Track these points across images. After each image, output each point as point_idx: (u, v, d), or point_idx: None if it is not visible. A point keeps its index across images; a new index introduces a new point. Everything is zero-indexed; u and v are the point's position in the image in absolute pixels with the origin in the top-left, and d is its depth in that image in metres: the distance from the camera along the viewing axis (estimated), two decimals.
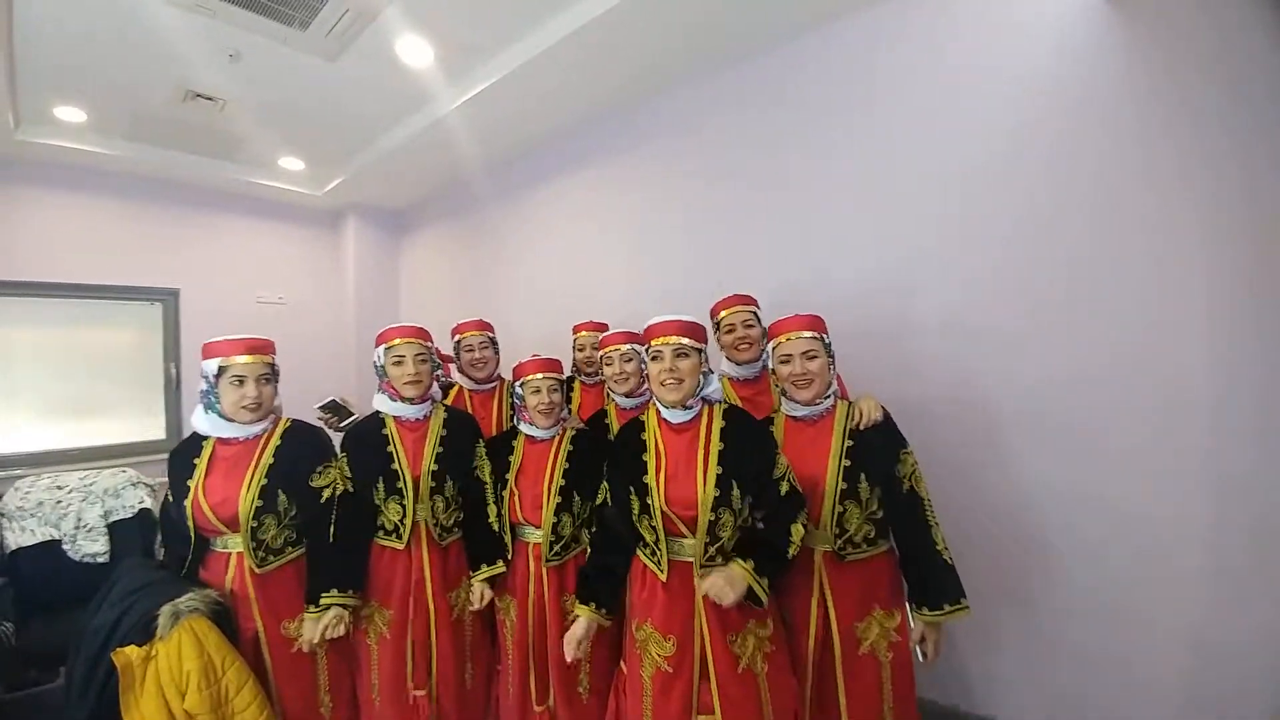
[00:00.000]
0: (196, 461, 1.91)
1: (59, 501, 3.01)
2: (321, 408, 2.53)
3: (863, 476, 1.69)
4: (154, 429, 4.47)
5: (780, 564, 1.62)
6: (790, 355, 1.76)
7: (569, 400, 2.58)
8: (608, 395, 2.36)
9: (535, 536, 2.01)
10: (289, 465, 1.94)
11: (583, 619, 1.72)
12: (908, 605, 1.76)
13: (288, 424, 2.03)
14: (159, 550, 2.96)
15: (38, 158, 3.96)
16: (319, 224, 5.42)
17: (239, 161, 4.48)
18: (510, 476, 2.07)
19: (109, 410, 4.32)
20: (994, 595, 2.23)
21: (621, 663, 1.88)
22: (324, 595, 1.86)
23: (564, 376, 2.13)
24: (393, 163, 4.27)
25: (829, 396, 1.79)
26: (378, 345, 2.12)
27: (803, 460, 1.75)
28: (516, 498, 2.04)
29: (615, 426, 2.23)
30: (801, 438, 1.80)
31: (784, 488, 1.67)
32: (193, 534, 1.87)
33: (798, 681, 1.74)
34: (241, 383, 1.88)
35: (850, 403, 1.82)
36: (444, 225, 5.11)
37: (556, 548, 1.98)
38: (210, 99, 3.42)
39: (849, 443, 1.73)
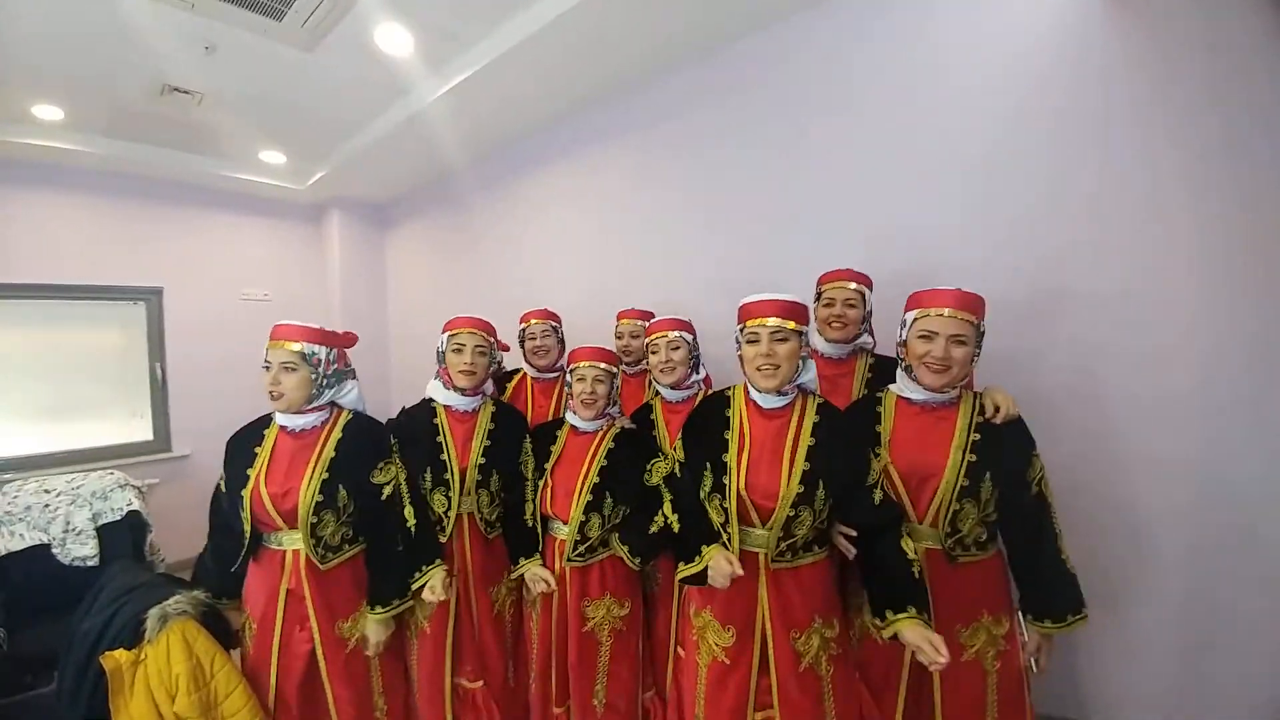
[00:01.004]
0: (258, 450, 1.85)
1: (47, 505, 2.98)
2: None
3: (987, 475, 1.53)
4: (141, 430, 4.42)
5: (923, 591, 1.48)
6: (934, 334, 1.54)
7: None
8: (649, 386, 2.30)
9: (563, 532, 1.95)
10: (349, 460, 1.88)
11: (715, 553, 1.53)
12: (1020, 615, 1.64)
13: (348, 417, 1.97)
14: (147, 549, 2.97)
15: (16, 157, 3.89)
16: (302, 219, 5.36)
17: (219, 156, 4.41)
18: (549, 466, 2.03)
19: (94, 412, 4.27)
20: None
21: (679, 647, 1.83)
22: (427, 567, 1.86)
23: (614, 370, 2.05)
24: (375, 155, 4.21)
25: (958, 386, 1.61)
26: (443, 332, 2.12)
27: (916, 449, 1.60)
28: (550, 489, 1.99)
29: (661, 423, 2.13)
30: (916, 424, 1.63)
31: (877, 496, 1.55)
32: (248, 527, 1.79)
33: (881, 678, 1.65)
34: (268, 368, 1.83)
35: (978, 394, 1.65)
36: (429, 218, 5.06)
37: (581, 548, 1.92)
38: (187, 93, 3.36)
39: (975, 437, 1.56)
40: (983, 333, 1.58)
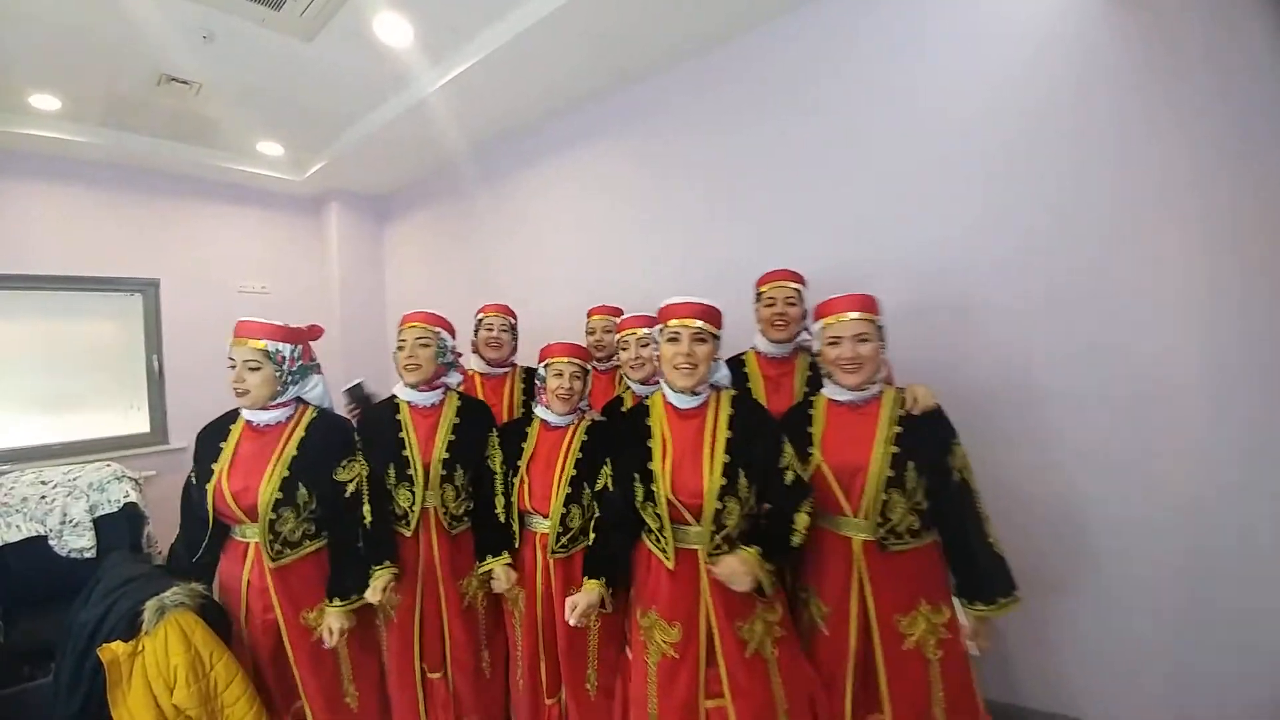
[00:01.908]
0: (223, 445, 1.89)
1: (44, 497, 2.96)
2: (348, 390, 2.52)
3: (910, 465, 1.63)
4: (138, 422, 4.40)
5: (785, 553, 1.61)
6: (840, 338, 1.69)
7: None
8: (619, 381, 2.32)
9: (543, 526, 1.97)
10: (312, 457, 1.92)
11: (591, 590, 1.68)
12: (956, 600, 1.70)
13: (314, 415, 1.99)
14: (144, 541, 2.96)
15: (13, 148, 3.86)
16: (301, 211, 5.32)
17: (217, 147, 4.38)
18: (522, 463, 2.03)
19: (91, 404, 4.25)
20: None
21: (627, 649, 1.87)
22: (376, 568, 1.88)
23: (587, 365, 2.08)
24: (374, 147, 4.18)
25: (877, 383, 1.72)
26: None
27: (845, 446, 1.70)
28: (526, 485, 2.00)
29: None
30: (844, 423, 1.74)
31: (789, 476, 1.65)
32: (211, 519, 1.84)
33: (830, 668, 1.72)
34: (232, 365, 1.86)
35: (900, 389, 1.75)
36: (429, 211, 5.03)
37: (564, 539, 1.94)
38: (185, 83, 3.34)
39: (897, 429, 1.66)
40: (882, 328, 1.72)
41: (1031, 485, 2.20)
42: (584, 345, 2.14)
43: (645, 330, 2.13)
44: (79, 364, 4.24)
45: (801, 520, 1.61)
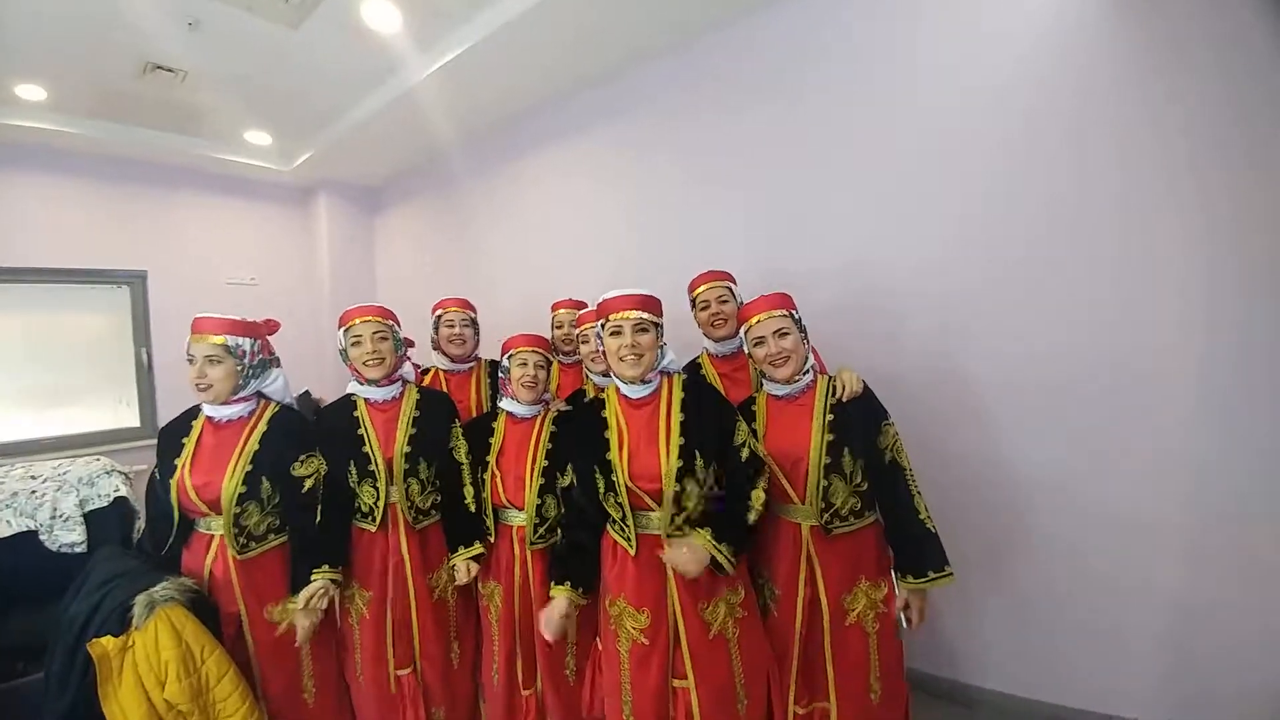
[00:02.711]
0: (185, 441, 1.90)
1: (34, 491, 2.93)
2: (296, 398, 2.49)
3: (845, 449, 1.71)
4: (128, 416, 4.38)
5: (741, 530, 1.62)
6: (763, 337, 1.77)
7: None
8: (585, 374, 2.33)
9: (519, 519, 1.97)
10: (274, 453, 1.92)
11: (561, 598, 1.69)
12: (893, 574, 1.77)
13: (274, 410, 1.99)
14: (135, 533, 2.94)
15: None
16: (289, 202, 5.28)
17: (204, 137, 4.34)
18: (491, 458, 2.03)
19: (80, 398, 4.22)
20: (978, 564, 2.26)
21: (597, 639, 1.88)
22: (315, 571, 1.84)
23: (551, 356, 2.08)
24: (363, 136, 4.14)
25: (807, 372, 1.79)
26: (338, 328, 2.09)
27: (786, 437, 1.77)
28: (498, 479, 2.00)
29: None
30: (784, 416, 1.81)
31: (744, 454, 1.68)
32: (176, 514, 1.85)
33: (780, 648, 1.77)
34: (192, 361, 1.86)
35: (830, 377, 1.83)
36: (419, 202, 5.00)
37: (541, 530, 1.95)
38: (171, 71, 3.30)
39: (830, 416, 1.74)
40: (799, 320, 1.80)
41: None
42: (546, 337, 2.13)
43: None
44: (67, 358, 4.21)
45: (757, 497, 1.64)
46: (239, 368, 1.89)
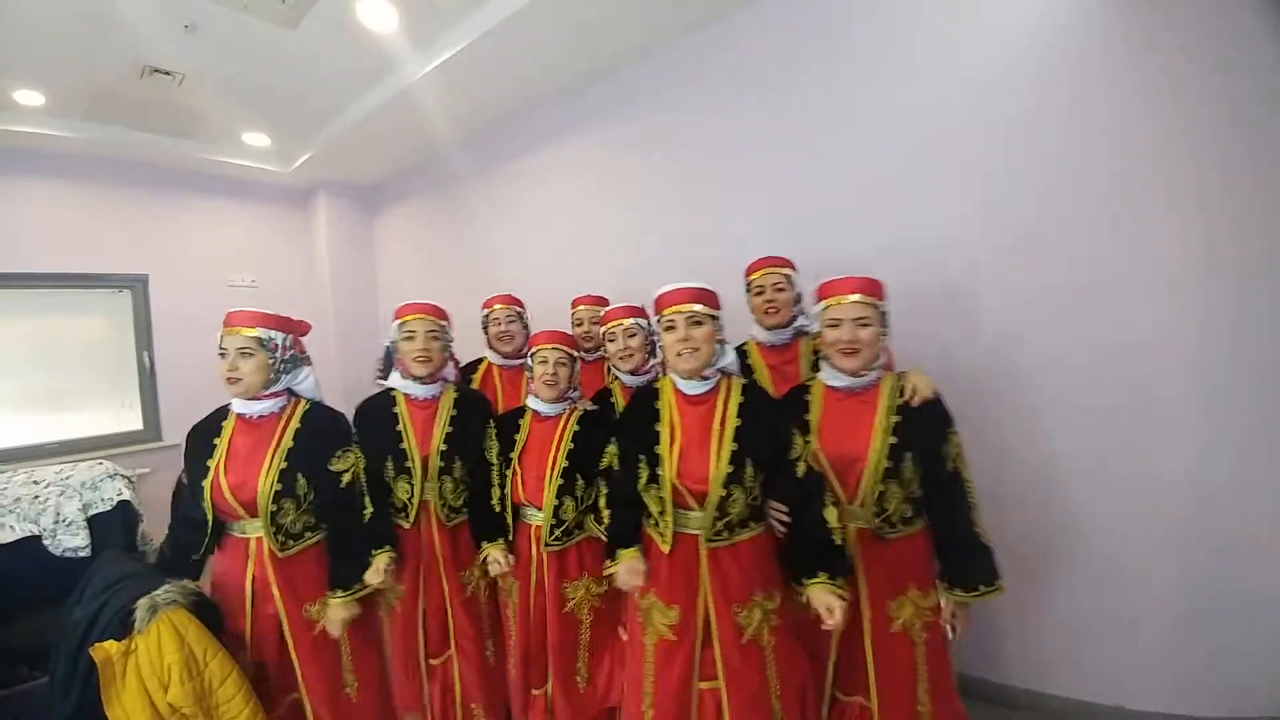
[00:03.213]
0: (216, 441, 1.87)
1: (36, 496, 2.93)
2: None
3: (908, 455, 1.61)
4: (130, 420, 4.38)
5: (840, 556, 1.58)
6: (840, 320, 1.65)
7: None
8: (608, 372, 2.31)
9: (537, 518, 1.96)
10: (307, 448, 1.90)
11: (632, 557, 1.69)
12: (938, 583, 1.70)
13: (307, 407, 1.98)
14: (139, 540, 2.94)
15: None
16: (289, 203, 5.27)
17: (202, 139, 4.32)
18: (514, 454, 2.02)
19: (83, 402, 4.22)
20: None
21: (621, 630, 1.87)
22: (376, 552, 1.87)
23: (574, 353, 2.06)
24: (362, 136, 4.13)
25: (875, 369, 1.68)
26: (393, 320, 2.11)
27: (842, 434, 1.68)
28: (519, 476, 1.99)
29: (620, 406, 2.15)
30: (841, 410, 1.71)
31: (801, 469, 1.62)
32: (210, 516, 1.82)
33: (820, 657, 1.72)
34: (224, 355, 1.84)
35: (899, 375, 1.71)
36: (419, 201, 4.98)
37: (557, 532, 1.93)
38: (168, 73, 3.29)
39: (896, 419, 1.63)
40: (885, 313, 1.67)
41: (1019, 469, 2.22)
42: (571, 335, 2.12)
43: (631, 321, 2.10)
44: (69, 362, 4.21)
45: (832, 515, 1.59)
46: (270, 361, 1.86)
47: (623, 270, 3.35)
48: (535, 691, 2.01)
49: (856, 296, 1.64)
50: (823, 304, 1.70)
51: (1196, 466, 1.96)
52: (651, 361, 2.15)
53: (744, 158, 2.89)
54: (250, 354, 1.83)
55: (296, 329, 2.00)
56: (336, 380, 4.59)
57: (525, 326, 2.57)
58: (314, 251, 5.35)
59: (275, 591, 1.84)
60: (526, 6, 2.70)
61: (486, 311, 2.55)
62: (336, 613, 1.83)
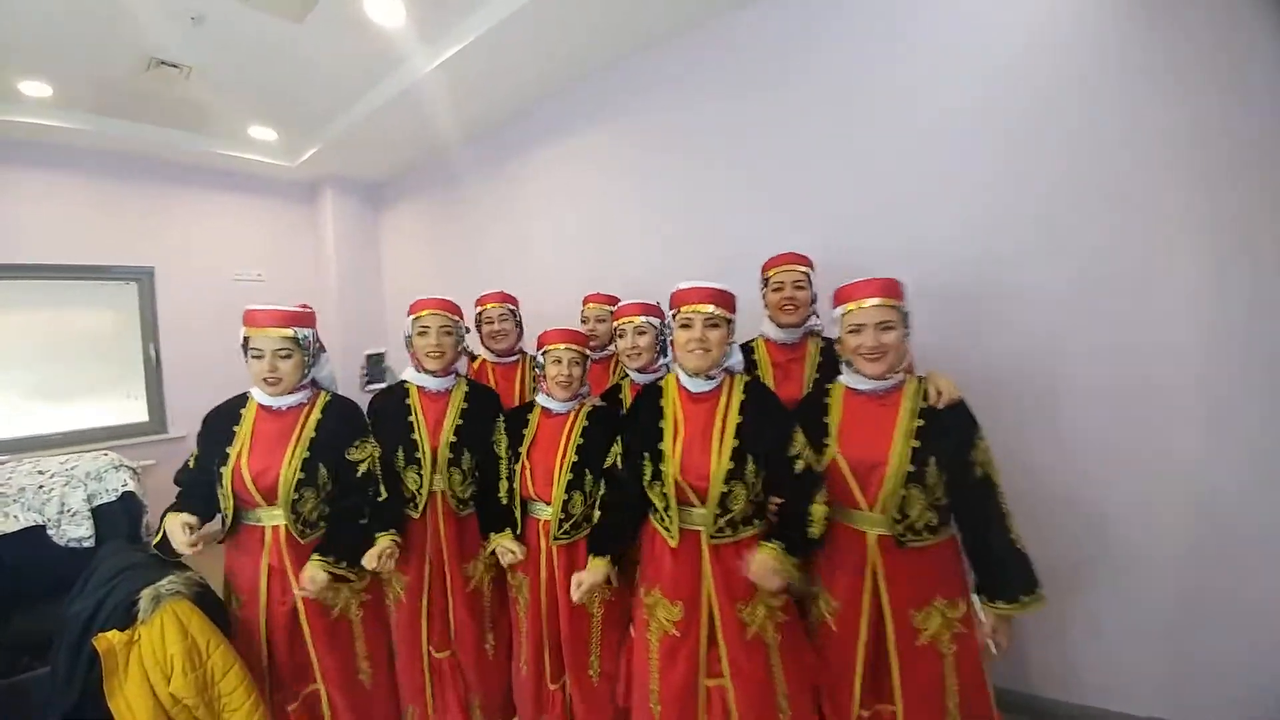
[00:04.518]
0: (237, 429, 1.87)
1: (41, 486, 2.94)
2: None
3: (933, 460, 1.55)
4: (136, 412, 4.39)
5: (807, 545, 1.59)
6: (862, 325, 1.60)
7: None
8: (614, 369, 2.32)
9: (546, 513, 1.96)
10: (329, 439, 1.92)
11: (597, 568, 1.70)
12: (976, 597, 1.63)
13: (327, 398, 2.00)
14: (143, 531, 2.94)
15: (4, 135, 3.83)
16: (295, 198, 5.28)
17: (209, 133, 4.34)
18: (523, 449, 2.02)
19: (88, 393, 4.24)
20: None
21: (630, 627, 1.88)
22: (379, 534, 1.88)
23: (586, 351, 2.05)
24: (369, 131, 4.13)
25: (898, 371, 1.64)
26: (408, 315, 2.14)
27: (863, 438, 1.63)
28: (528, 471, 1.99)
29: (629, 403, 2.13)
30: (863, 413, 1.66)
31: (799, 466, 1.63)
32: (230, 504, 1.83)
33: (840, 663, 1.68)
34: (260, 356, 1.83)
35: (922, 378, 1.67)
36: (426, 196, 4.99)
37: (566, 525, 1.92)
38: (175, 66, 3.29)
39: (919, 423, 1.58)
40: (907, 314, 1.62)
41: (1046, 474, 2.17)
42: (583, 333, 2.12)
43: (642, 319, 2.10)
44: (75, 354, 4.22)
45: (818, 511, 1.59)
46: (305, 358, 1.90)
47: (631, 266, 3.33)
48: (552, 686, 2.02)
49: (878, 300, 1.59)
50: (842, 309, 1.65)
51: (1208, 465, 1.93)
52: (661, 360, 2.15)
53: (755, 153, 2.87)
54: (289, 355, 1.85)
55: (315, 320, 2.01)
56: (339, 371, 4.58)
57: (518, 324, 2.59)
58: (320, 246, 5.36)
59: (293, 580, 1.84)
60: (532, 1, 2.69)
61: (480, 310, 2.56)
62: (310, 571, 1.78)
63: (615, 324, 2.17)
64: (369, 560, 1.83)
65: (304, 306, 2.01)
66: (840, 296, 1.67)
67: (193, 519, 1.80)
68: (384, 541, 1.87)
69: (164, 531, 1.79)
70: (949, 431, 1.58)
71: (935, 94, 2.33)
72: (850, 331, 1.63)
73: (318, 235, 5.38)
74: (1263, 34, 1.81)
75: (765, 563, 1.54)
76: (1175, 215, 1.93)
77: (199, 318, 4.54)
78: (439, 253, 4.88)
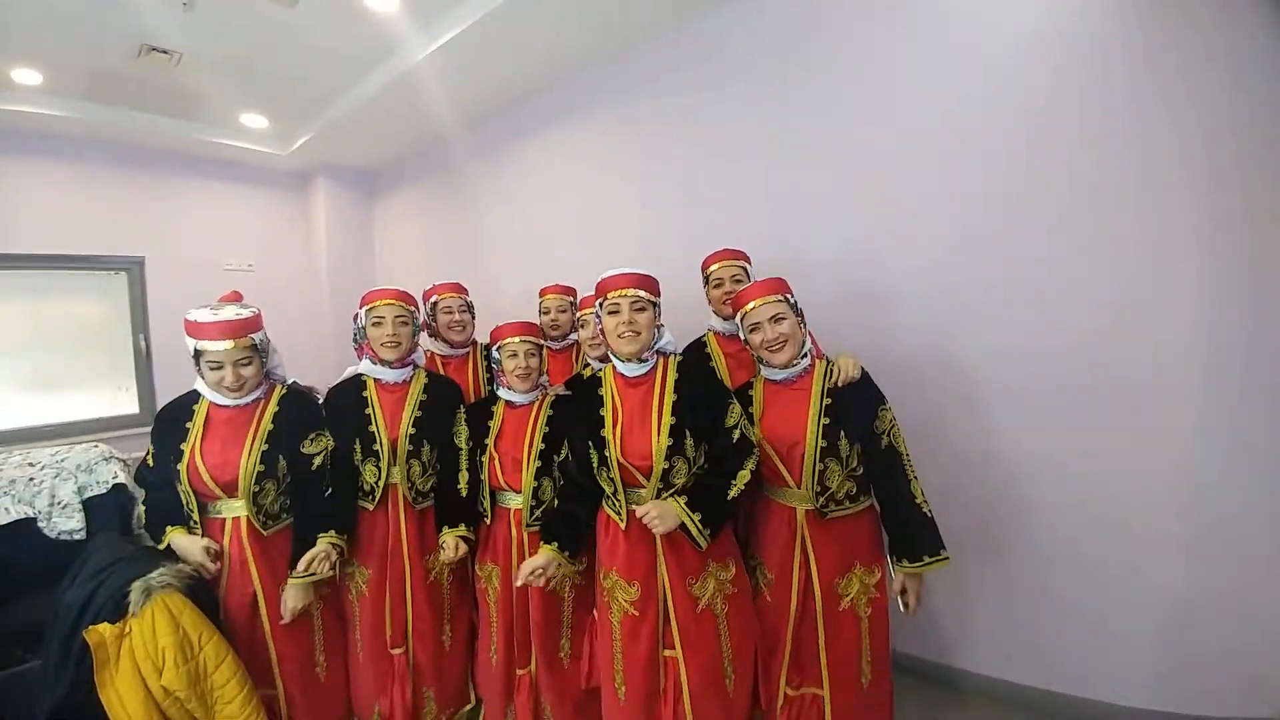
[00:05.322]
0: (189, 425, 1.87)
1: (31, 479, 2.92)
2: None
3: (842, 433, 1.71)
4: (126, 403, 4.36)
5: (718, 504, 1.66)
6: (759, 323, 1.76)
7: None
8: (579, 358, 2.32)
9: (515, 502, 1.99)
10: (286, 431, 1.93)
11: (543, 553, 1.74)
12: (888, 558, 1.79)
13: (283, 391, 2.00)
14: (134, 523, 2.93)
15: None
16: (287, 186, 5.23)
17: (200, 121, 4.28)
18: (489, 441, 2.04)
19: (79, 384, 4.20)
20: (971, 550, 2.25)
21: (594, 610, 1.94)
22: (320, 536, 1.87)
23: (541, 341, 2.08)
24: (361, 118, 4.08)
25: (805, 356, 1.79)
26: (360, 307, 2.12)
27: (783, 422, 1.77)
28: (496, 462, 2.01)
29: None
30: (781, 400, 1.81)
31: (735, 435, 1.71)
32: (193, 499, 1.85)
33: (771, 631, 1.81)
34: (218, 367, 1.82)
35: (829, 361, 1.82)
36: (419, 185, 4.94)
37: (537, 512, 1.97)
38: (165, 52, 3.24)
39: (827, 401, 1.74)
40: (795, 303, 1.79)
41: (1043, 474, 2.22)
42: (535, 323, 2.13)
43: None
44: (65, 344, 4.18)
45: (742, 476, 1.68)
46: (263, 359, 1.93)
47: (626, 255, 3.29)
48: (520, 672, 2.04)
49: (765, 298, 1.76)
50: (740, 314, 1.83)
51: (1194, 462, 1.96)
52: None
53: (752, 143, 2.85)
54: (249, 362, 1.86)
55: (262, 318, 1.99)
56: (332, 364, 4.56)
57: (473, 316, 2.57)
58: (312, 235, 5.31)
59: (254, 571, 1.86)
60: None
61: (435, 299, 2.50)
62: (293, 596, 1.84)
63: (579, 314, 2.22)
64: (303, 563, 1.81)
65: (237, 296, 2.04)
66: (735, 304, 1.85)
67: (215, 545, 1.83)
68: (321, 545, 1.86)
69: (169, 543, 1.83)
70: (854, 405, 1.74)
71: (935, 93, 2.31)
72: (751, 331, 1.80)
73: (310, 224, 5.33)
74: (1265, 32, 1.80)
75: (656, 507, 1.61)
76: (1180, 214, 1.92)
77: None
78: (432, 241, 4.84)
